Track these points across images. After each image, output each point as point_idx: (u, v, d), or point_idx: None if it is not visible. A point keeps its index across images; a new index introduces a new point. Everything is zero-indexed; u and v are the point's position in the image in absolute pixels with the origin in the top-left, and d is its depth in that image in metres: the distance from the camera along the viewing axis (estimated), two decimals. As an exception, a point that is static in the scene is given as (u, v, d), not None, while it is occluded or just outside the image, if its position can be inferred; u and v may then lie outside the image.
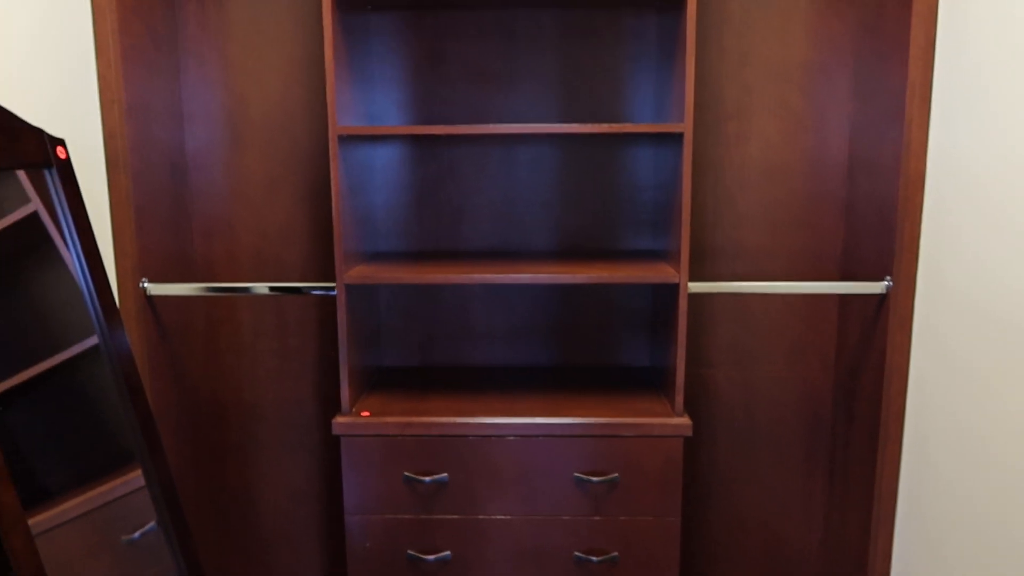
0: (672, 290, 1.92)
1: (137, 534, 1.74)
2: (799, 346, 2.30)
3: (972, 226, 1.66)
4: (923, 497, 1.87)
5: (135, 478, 1.72)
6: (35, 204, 1.56)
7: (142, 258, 1.98)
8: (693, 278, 2.22)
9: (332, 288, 1.98)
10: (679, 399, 1.91)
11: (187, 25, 2.17)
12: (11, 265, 1.49)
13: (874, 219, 2.02)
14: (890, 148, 1.92)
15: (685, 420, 1.89)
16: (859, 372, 2.12)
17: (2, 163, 1.31)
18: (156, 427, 1.62)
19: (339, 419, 1.91)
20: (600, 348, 2.32)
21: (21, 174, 1.47)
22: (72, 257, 1.49)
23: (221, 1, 2.16)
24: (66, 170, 1.44)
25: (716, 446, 2.35)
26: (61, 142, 1.44)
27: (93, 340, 1.58)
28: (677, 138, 1.86)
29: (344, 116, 1.88)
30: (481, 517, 1.93)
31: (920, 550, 1.89)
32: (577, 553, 1.93)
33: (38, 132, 1.40)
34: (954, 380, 1.73)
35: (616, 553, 1.93)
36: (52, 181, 1.43)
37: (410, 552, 1.94)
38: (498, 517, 1.93)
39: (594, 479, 1.89)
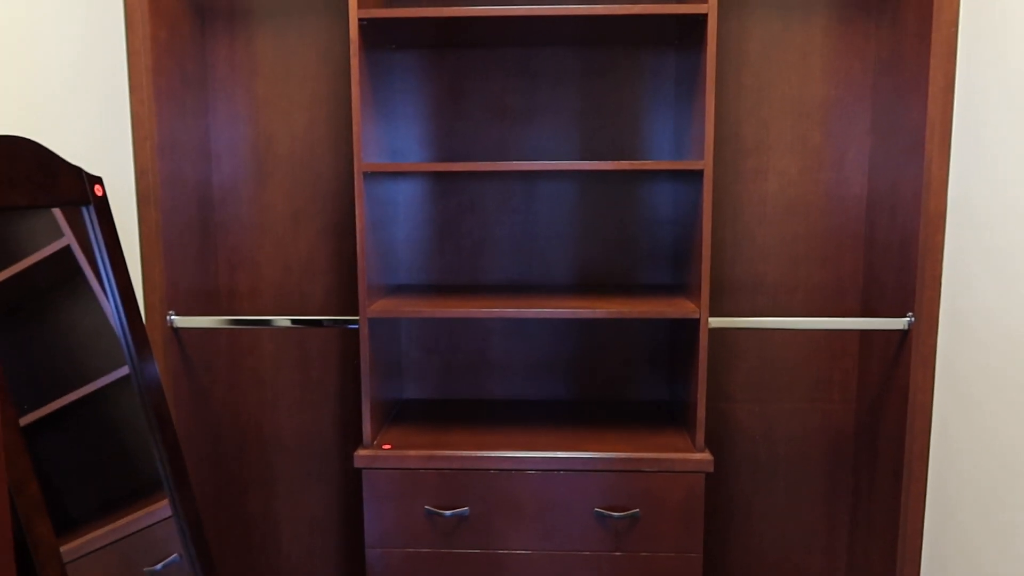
0: (693, 325, 1.92)
1: (160, 566, 1.75)
2: (820, 381, 2.29)
3: (994, 264, 1.66)
4: (949, 538, 1.85)
5: (160, 509, 1.73)
6: (68, 239, 1.61)
7: (169, 291, 2.01)
8: (712, 313, 2.22)
9: (355, 322, 2.00)
10: (700, 434, 1.91)
11: (216, 65, 2.22)
12: (44, 297, 1.53)
13: (895, 255, 2.03)
14: (910, 185, 1.94)
15: (706, 455, 1.89)
16: (881, 409, 2.11)
17: (44, 201, 1.35)
18: (183, 458, 1.64)
19: (361, 452, 1.93)
20: (620, 382, 2.32)
21: (56, 210, 1.52)
22: (107, 290, 1.53)
23: (249, 42, 2.22)
24: (103, 207, 1.48)
25: (737, 481, 2.34)
26: (99, 180, 1.48)
27: (123, 371, 1.61)
28: (697, 175, 1.88)
29: (368, 152, 1.92)
30: (502, 552, 1.93)
31: (946, 590, 1.87)
32: (598, 589, 1.92)
33: (77, 171, 1.45)
34: (978, 420, 1.72)
35: (637, 590, 1.92)
36: (89, 218, 1.47)
37: (430, 586, 1.94)
38: (519, 552, 1.93)
39: (615, 514, 1.89)
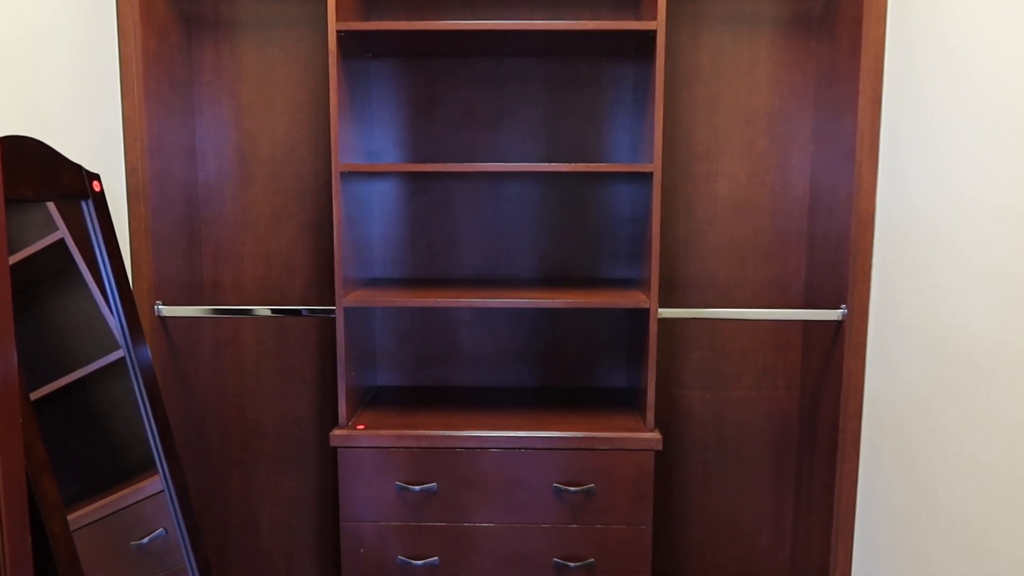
0: (644, 315, 2.09)
1: (146, 539, 1.87)
2: (767, 370, 2.47)
3: (919, 260, 1.83)
4: (878, 511, 2.03)
5: (150, 484, 1.86)
6: (62, 232, 1.73)
7: (157, 282, 2.14)
8: (668, 305, 2.39)
9: (332, 311, 2.14)
10: (650, 415, 2.07)
11: (203, 71, 2.36)
12: (41, 286, 1.65)
13: (831, 252, 2.21)
14: (844, 188, 2.11)
15: (656, 435, 2.05)
16: (820, 394, 2.29)
17: (47, 195, 1.49)
18: (172, 434, 1.77)
19: (336, 432, 2.07)
20: (581, 370, 2.48)
21: (51, 205, 1.65)
22: (104, 278, 1.66)
23: (234, 50, 2.36)
24: (100, 201, 1.62)
25: (689, 463, 2.51)
26: (96, 176, 1.62)
27: (118, 354, 1.74)
28: (648, 177, 2.05)
29: (345, 154, 2.06)
30: (467, 524, 2.08)
31: (877, 562, 2.04)
32: (556, 559, 2.08)
33: (77, 167, 1.58)
34: (900, 403, 1.90)
35: (592, 559, 2.08)
36: (88, 211, 1.60)
37: (400, 557, 2.08)
38: (483, 525, 2.08)
39: (571, 489, 2.05)
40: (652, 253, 2.02)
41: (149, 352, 1.75)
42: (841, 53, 2.13)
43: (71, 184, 1.56)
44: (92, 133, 1.92)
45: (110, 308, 1.71)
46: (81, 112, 1.87)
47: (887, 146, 1.98)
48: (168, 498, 1.82)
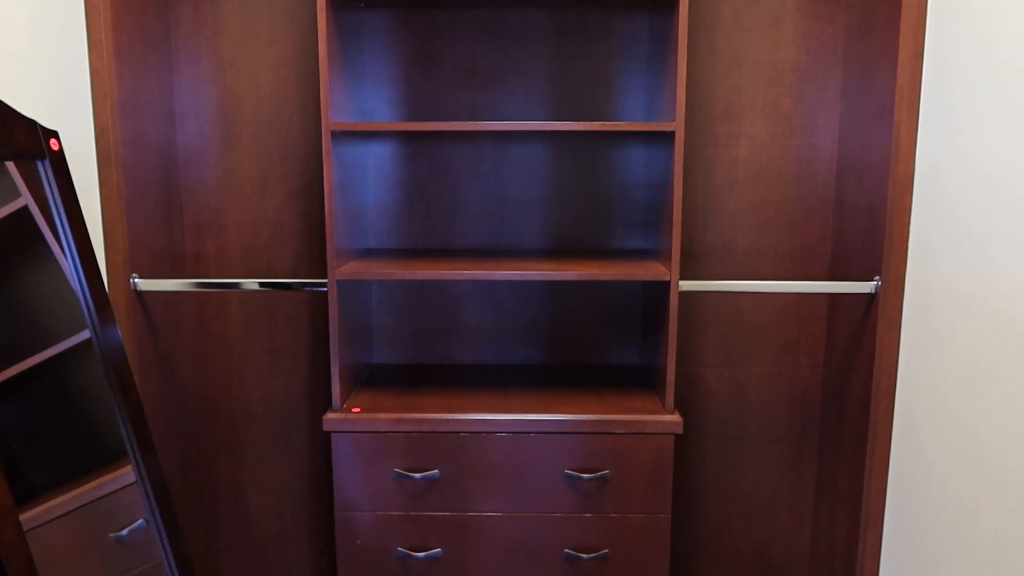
0: (663, 288, 1.93)
1: (126, 531, 1.74)
2: (789, 346, 2.32)
3: (961, 228, 1.68)
4: (912, 495, 1.89)
5: (125, 474, 1.72)
6: (25, 199, 1.56)
7: (132, 254, 1.98)
8: (685, 277, 2.23)
9: (323, 284, 1.98)
10: (670, 396, 1.92)
11: (180, 24, 2.17)
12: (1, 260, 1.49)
13: (863, 220, 2.05)
14: (879, 150, 1.95)
15: (676, 418, 1.91)
16: (848, 371, 2.14)
17: (-5, 153, 1.31)
18: (147, 423, 1.62)
19: (330, 415, 1.92)
20: (591, 347, 2.33)
21: (11, 167, 1.47)
22: (65, 249, 1.49)
23: (214, 0, 2.16)
24: (59, 162, 1.44)
25: (706, 444, 2.37)
26: (54, 134, 1.44)
27: (84, 335, 1.58)
28: (668, 137, 1.87)
29: (336, 113, 1.88)
30: (472, 514, 1.94)
31: (909, 549, 1.91)
32: (568, 550, 1.94)
33: (31, 123, 1.40)
34: (944, 378, 1.76)
35: (606, 550, 1.94)
36: (45, 172, 1.43)
37: (400, 549, 1.94)
38: (489, 514, 1.94)
39: (585, 476, 1.90)
40: (673, 221, 1.86)
41: (119, 332, 1.58)
42: (877, 1, 1.95)
43: (25, 142, 1.38)
44: (55, 89, 1.73)
45: (73, 284, 1.55)
46: (42, 66, 1.68)
47: (929, 103, 1.81)
48: (143, 492, 1.67)
